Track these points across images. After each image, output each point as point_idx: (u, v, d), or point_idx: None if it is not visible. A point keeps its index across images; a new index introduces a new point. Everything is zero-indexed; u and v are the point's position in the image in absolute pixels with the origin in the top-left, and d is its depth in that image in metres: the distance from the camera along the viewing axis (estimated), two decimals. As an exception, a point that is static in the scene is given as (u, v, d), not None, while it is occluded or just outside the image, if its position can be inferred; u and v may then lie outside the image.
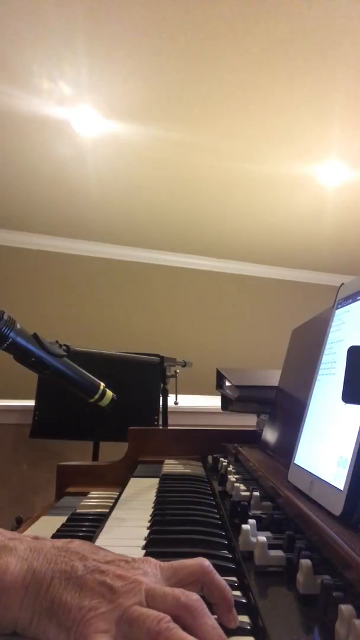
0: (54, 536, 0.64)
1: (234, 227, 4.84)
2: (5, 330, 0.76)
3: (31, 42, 2.50)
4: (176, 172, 3.80)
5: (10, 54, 2.57)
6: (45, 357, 0.81)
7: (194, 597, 0.36)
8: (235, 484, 0.76)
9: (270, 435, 1.01)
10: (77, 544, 0.41)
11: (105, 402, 0.91)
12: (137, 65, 2.66)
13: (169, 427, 1.86)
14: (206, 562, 0.41)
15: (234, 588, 0.47)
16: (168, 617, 0.34)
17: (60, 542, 0.41)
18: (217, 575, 0.40)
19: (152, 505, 0.80)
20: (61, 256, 5.10)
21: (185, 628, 0.34)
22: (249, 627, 0.40)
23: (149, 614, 0.34)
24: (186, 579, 0.39)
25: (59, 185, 4.00)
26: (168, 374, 1.83)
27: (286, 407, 0.95)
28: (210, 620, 0.36)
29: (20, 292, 4.82)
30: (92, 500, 0.98)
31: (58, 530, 0.77)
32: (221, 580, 0.40)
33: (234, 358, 5.11)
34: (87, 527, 0.78)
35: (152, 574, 0.39)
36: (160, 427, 1.94)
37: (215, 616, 0.38)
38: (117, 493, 0.94)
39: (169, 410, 1.91)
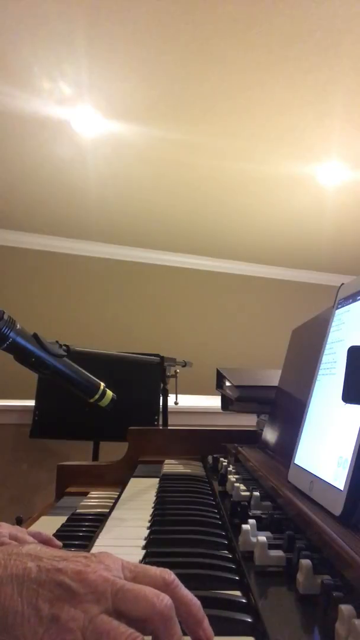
0: (54, 536, 0.64)
1: (234, 227, 4.84)
2: (5, 330, 0.76)
3: (31, 42, 2.50)
4: (176, 172, 3.80)
5: (10, 54, 2.57)
6: (45, 357, 0.81)
7: (167, 603, 0.33)
8: (235, 484, 0.76)
9: (270, 435, 1.01)
10: (29, 546, 0.37)
11: (105, 402, 0.91)
12: (137, 65, 2.66)
13: (169, 427, 1.86)
14: (171, 576, 0.36)
15: (234, 588, 0.47)
16: (140, 638, 0.31)
17: (9, 547, 0.37)
18: (181, 589, 0.36)
19: (152, 505, 0.80)
20: (61, 256, 5.10)
21: (154, 634, 0.33)
22: (249, 627, 0.40)
23: (121, 631, 0.31)
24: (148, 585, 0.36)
25: (59, 185, 4.00)
26: (168, 374, 1.83)
27: (286, 407, 0.95)
28: (179, 630, 0.33)
29: (20, 292, 4.82)
30: (92, 500, 0.98)
31: (58, 530, 0.77)
32: (186, 594, 0.36)
33: (234, 358, 5.10)
34: (87, 527, 0.78)
35: (115, 568, 0.35)
36: (160, 427, 1.94)
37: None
38: (117, 493, 0.94)
39: (169, 410, 1.91)
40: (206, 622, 0.36)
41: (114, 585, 0.33)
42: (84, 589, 0.32)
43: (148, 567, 0.37)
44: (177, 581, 0.36)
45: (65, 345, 0.87)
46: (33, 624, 0.31)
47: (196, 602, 0.36)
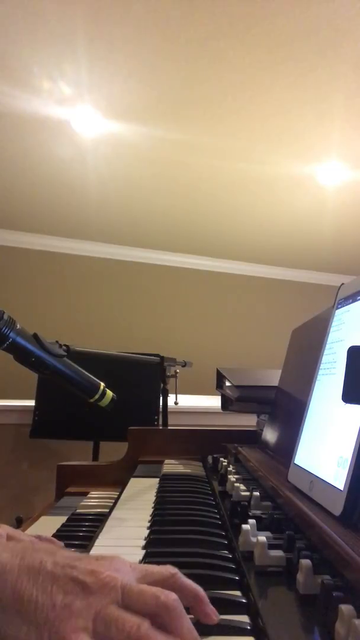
0: (54, 536, 0.64)
1: (234, 227, 4.84)
2: (5, 330, 0.76)
3: (31, 42, 2.50)
4: (176, 172, 3.80)
5: (10, 54, 2.57)
6: (45, 357, 0.81)
7: (172, 597, 0.35)
8: (235, 484, 0.77)
9: (270, 435, 1.01)
10: (42, 543, 0.39)
11: (105, 402, 0.91)
12: (137, 65, 2.66)
13: (169, 427, 1.86)
14: (174, 569, 0.40)
15: (234, 588, 0.47)
16: (148, 623, 0.33)
17: (24, 542, 0.39)
18: (185, 579, 0.39)
19: (152, 505, 0.80)
20: (61, 256, 5.10)
21: (162, 628, 0.34)
22: (249, 627, 0.40)
23: (129, 618, 0.33)
24: (156, 583, 0.38)
25: (59, 185, 4.00)
26: (168, 374, 1.83)
27: (286, 407, 0.95)
28: (187, 622, 0.35)
29: (20, 292, 4.82)
30: (92, 501, 0.98)
31: (58, 530, 0.77)
32: (190, 582, 0.39)
33: (234, 358, 5.10)
34: (87, 527, 0.78)
35: (124, 571, 0.37)
36: (160, 427, 1.94)
37: (192, 616, 0.37)
38: (117, 493, 0.94)
39: (169, 410, 1.91)
40: (210, 604, 0.39)
41: (123, 584, 0.35)
42: (95, 584, 0.34)
43: (152, 565, 0.40)
44: (179, 573, 0.39)
45: (65, 345, 0.87)
46: (46, 610, 0.33)
47: (200, 588, 0.39)
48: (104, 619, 0.33)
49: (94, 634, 0.32)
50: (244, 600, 0.44)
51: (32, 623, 0.32)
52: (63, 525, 0.80)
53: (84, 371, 0.89)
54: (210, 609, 0.38)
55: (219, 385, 1.44)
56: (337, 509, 0.48)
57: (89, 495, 1.02)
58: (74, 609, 0.33)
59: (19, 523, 1.19)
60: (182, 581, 0.39)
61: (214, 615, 0.38)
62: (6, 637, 0.33)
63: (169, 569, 0.39)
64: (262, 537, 0.50)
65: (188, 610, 0.38)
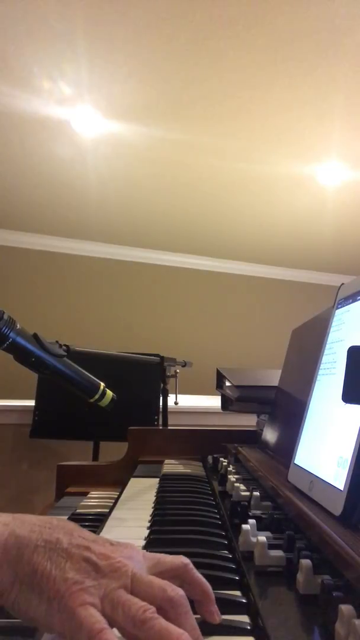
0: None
1: (234, 227, 4.84)
2: (5, 330, 0.76)
3: (31, 42, 2.50)
4: (176, 172, 3.80)
5: (10, 54, 2.57)
6: (45, 357, 0.81)
7: (180, 592, 0.35)
8: (235, 484, 0.77)
9: (270, 435, 1.01)
10: (60, 521, 0.39)
11: (105, 402, 0.91)
12: (137, 65, 2.66)
13: (169, 427, 1.86)
14: (187, 560, 0.40)
15: (234, 588, 0.47)
16: (153, 609, 0.33)
17: (43, 517, 0.39)
18: (197, 572, 0.40)
19: (152, 505, 0.80)
20: (61, 256, 5.10)
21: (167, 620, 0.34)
22: (249, 627, 0.40)
23: (135, 602, 0.33)
24: (167, 572, 0.39)
25: (59, 185, 4.00)
26: (168, 374, 1.83)
27: (286, 407, 0.95)
28: (192, 620, 0.35)
29: (20, 292, 4.82)
30: (92, 500, 0.98)
31: (58, 530, 0.76)
32: (201, 576, 0.40)
33: (234, 358, 5.11)
34: (87, 527, 0.78)
35: (137, 559, 0.38)
36: (160, 427, 1.94)
37: (198, 616, 0.38)
38: (117, 493, 0.94)
39: (169, 410, 1.91)
40: (215, 604, 0.39)
41: (134, 572, 0.36)
42: (107, 567, 0.35)
43: (164, 554, 0.41)
44: (192, 565, 0.40)
45: (65, 345, 0.87)
46: (58, 584, 0.33)
47: (209, 585, 0.40)
48: (112, 600, 0.33)
49: (101, 613, 0.33)
50: (244, 600, 0.44)
51: (43, 595, 0.33)
52: (63, 525, 0.80)
53: (84, 371, 0.89)
54: (215, 608, 0.39)
55: (219, 385, 1.44)
56: (337, 509, 0.48)
57: (89, 495, 1.02)
58: (85, 586, 0.34)
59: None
60: (192, 574, 0.39)
61: (217, 615, 0.39)
62: (18, 609, 0.34)
63: (182, 559, 0.40)
64: (262, 537, 0.50)
65: (193, 604, 0.38)
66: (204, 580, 0.40)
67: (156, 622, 0.32)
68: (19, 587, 0.34)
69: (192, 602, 0.38)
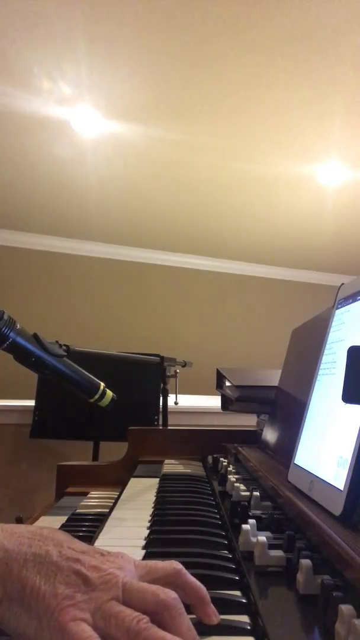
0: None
1: (234, 227, 4.84)
2: (5, 330, 0.75)
3: (31, 42, 2.50)
4: (176, 172, 3.80)
5: (10, 54, 2.57)
6: (45, 357, 0.81)
7: (172, 595, 0.35)
8: (235, 484, 0.76)
9: (270, 435, 1.01)
10: (51, 531, 0.39)
11: (105, 402, 0.91)
12: (137, 65, 2.66)
13: (169, 427, 1.86)
14: (179, 565, 0.40)
15: (234, 588, 0.47)
16: (147, 618, 0.33)
17: (33, 527, 0.39)
18: (190, 576, 0.39)
19: (152, 505, 0.80)
20: (61, 256, 5.10)
21: (161, 626, 0.34)
22: (249, 627, 0.40)
23: (128, 613, 0.33)
24: (160, 579, 0.38)
25: (59, 185, 4.00)
26: (168, 374, 1.83)
27: (286, 407, 0.95)
28: (187, 621, 0.35)
29: (20, 292, 4.82)
30: (92, 500, 0.98)
31: (58, 530, 0.76)
32: (194, 580, 0.39)
33: (234, 358, 5.11)
34: (87, 527, 0.78)
35: (128, 569, 0.38)
36: (160, 427, 1.94)
37: (194, 616, 0.38)
38: (117, 493, 0.94)
39: (169, 410, 1.91)
40: (211, 605, 0.39)
41: (124, 581, 0.36)
42: (97, 579, 0.35)
43: (156, 561, 0.40)
44: (185, 570, 0.40)
45: (65, 345, 0.87)
46: (48, 599, 0.33)
47: (203, 587, 0.39)
48: (104, 613, 0.33)
49: (93, 627, 0.32)
50: (244, 600, 0.44)
51: (32, 611, 0.33)
52: (63, 525, 0.80)
53: (84, 371, 0.89)
54: (212, 609, 0.38)
55: (219, 385, 1.44)
56: (337, 509, 0.48)
57: (89, 495, 1.02)
58: (75, 600, 0.33)
59: (19, 523, 1.19)
60: (185, 578, 0.39)
61: (214, 616, 0.38)
62: (7, 625, 0.34)
63: (174, 565, 0.40)
64: (262, 537, 0.50)
65: (188, 608, 0.38)
66: (197, 583, 0.39)
67: (151, 632, 0.32)
68: (8, 603, 0.33)
69: (187, 606, 0.38)
